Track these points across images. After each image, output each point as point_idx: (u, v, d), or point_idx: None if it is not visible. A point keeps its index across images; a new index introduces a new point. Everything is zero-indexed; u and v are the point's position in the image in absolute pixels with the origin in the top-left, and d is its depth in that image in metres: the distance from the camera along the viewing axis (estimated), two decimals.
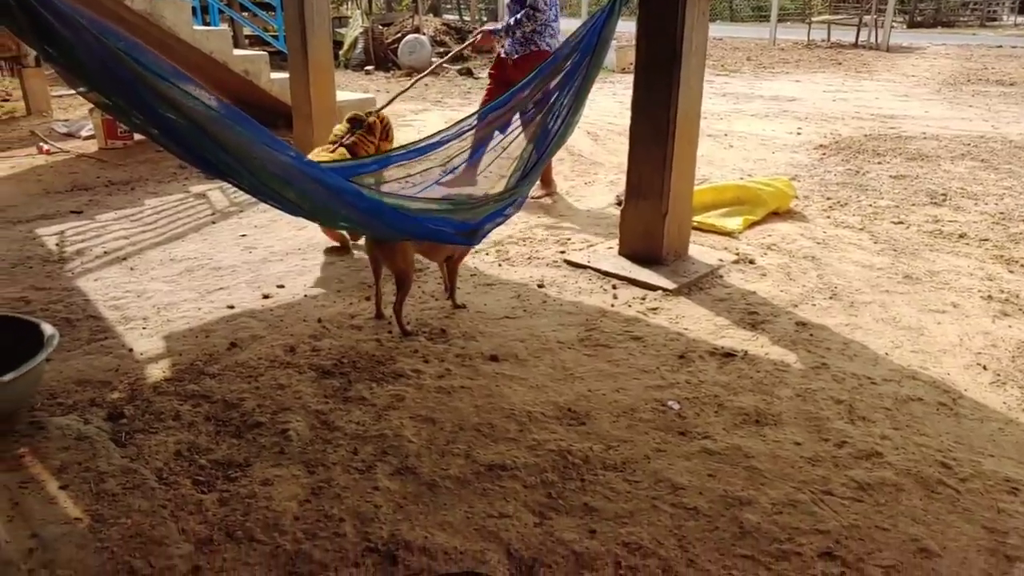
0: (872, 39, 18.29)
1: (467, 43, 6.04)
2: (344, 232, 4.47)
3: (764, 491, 2.45)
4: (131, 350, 3.39)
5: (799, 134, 8.07)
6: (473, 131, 3.38)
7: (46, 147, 7.36)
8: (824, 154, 7.15)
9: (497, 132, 3.63)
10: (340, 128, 4.38)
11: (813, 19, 20.25)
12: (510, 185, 3.45)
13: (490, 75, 5.88)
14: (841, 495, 2.44)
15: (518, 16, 5.28)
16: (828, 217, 5.27)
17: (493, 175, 3.82)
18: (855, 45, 18.11)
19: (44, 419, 2.82)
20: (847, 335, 3.54)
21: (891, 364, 3.29)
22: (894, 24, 19.00)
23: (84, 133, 7.94)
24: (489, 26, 5.71)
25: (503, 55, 5.65)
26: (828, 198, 5.69)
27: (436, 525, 2.28)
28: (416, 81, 5.33)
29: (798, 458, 2.63)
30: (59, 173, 6.60)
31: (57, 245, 4.79)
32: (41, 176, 6.51)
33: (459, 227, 3.19)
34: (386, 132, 4.45)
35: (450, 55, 6.20)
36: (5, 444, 2.66)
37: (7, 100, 10.05)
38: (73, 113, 9.36)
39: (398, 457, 2.61)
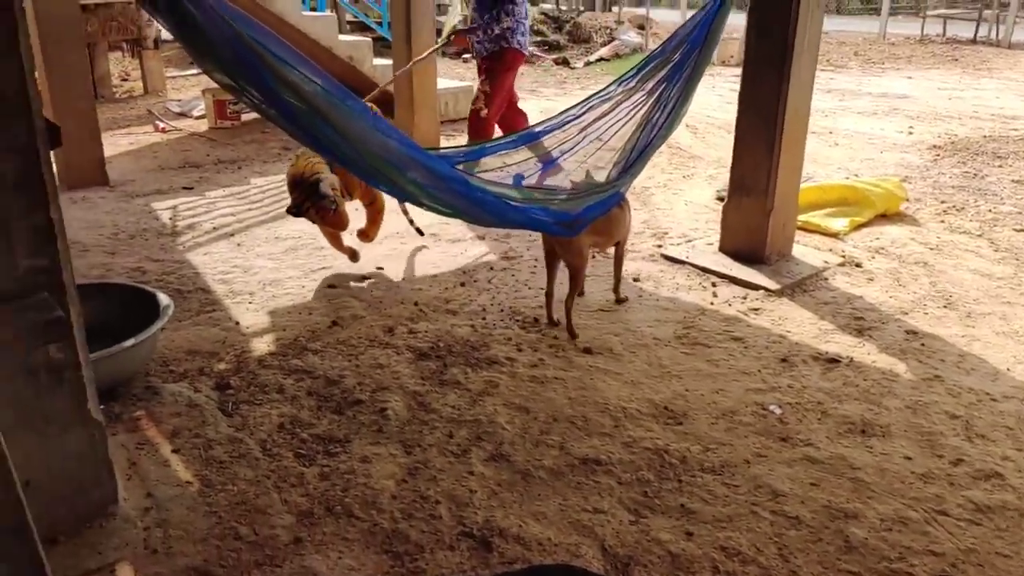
0: (992, 35, 17.30)
1: (438, 45, 5.77)
2: (352, 247, 4.17)
3: (871, 505, 2.36)
4: (238, 323, 3.52)
5: (910, 133, 7.71)
6: (576, 121, 3.35)
7: (161, 125, 7.71)
8: (938, 155, 6.81)
9: (599, 124, 3.57)
10: None
11: (928, 13, 19.28)
12: (611, 177, 3.41)
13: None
14: (957, 516, 2.31)
15: (493, 12, 5.07)
16: (942, 222, 5.02)
17: (589, 166, 3.79)
18: (973, 41, 17.16)
19: (158, 385, 2.95)
20: (963, 347, 3.37)
21: (1013, 380, 3.10)
22: (1017, 19, 17.88)
23: (196, 113, 8.28)
24: (463, 27, 5.44)
25: (474, 53, 5.47)
26: (942, 201, 5.41)
27: (530, 515, 2.29)
28: (404, 71, 5.23)
29: (908, 473, 2.52)
30: (172, 150, 6.91)
31: (170, 219, 5.02)
32: (156, 153, 6.83)
33: (559, 217, 3.17)
34: None
35: (422, 57, 5.60)
36: (124, 406, 2.80)
37: (126, 80, 10.56)
38: (186, 93, 9.76)
39: (492, 443, 2.63)
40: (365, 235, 4.21)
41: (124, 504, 2.26)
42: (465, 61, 13.46)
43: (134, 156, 6.68)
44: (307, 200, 3.58)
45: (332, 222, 3.85)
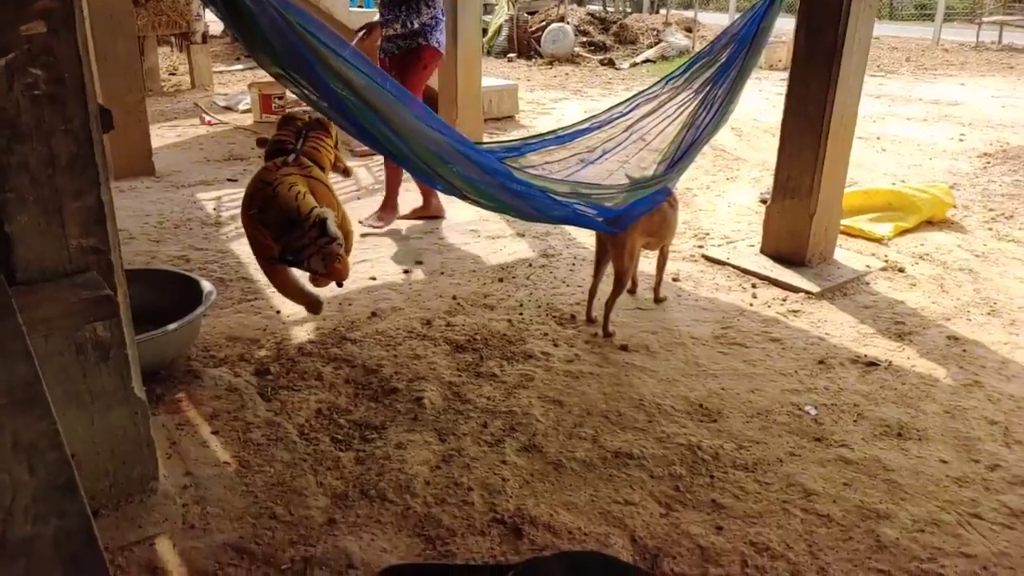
0: None
1: (354, 42, 4.72)
2: (313, 292, 3.25)
3: (904, 507, 2.33)
4: (278, 312, 3.58)
5: (961, 140, 7.55)
6: (623, 119, 3.35)
7: (208, 118, 7.87)
8: (988, 162, 6.66)
9: (644, 122, 3.56)
10: (283, 133, 3.29)
11: (984, 19, 18.82)
12: (657, 173, 3.40)
13: None
14: (991, 520, 2.28)
15: (412, 3, 4.47)
16: (990, 229, 4.92)
17: (631, 166, 3.77)
18: None
19: (199, 369, 3.02)
20: (1006, 354, 3.30)
21: None
22: None
23: (241, 107, 8.44)
24: (377, 18, 4.64)
25: (380, 55, 4.74)
26: (991, 209, 5.30)
27: (561, 504, 2.30)
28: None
29: (943, 477, 2.48)
30: (218, 143, 7.04)
31: (214, 209, 5.12)
32: (203, 145, 6.97)
33: (605, 212, 3.17)
34: (329, 129, 3.37)
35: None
36: (166, 388, 2.87)
37: (174, 74, 10.79)
38: (232, 88, 9.94)
39: (526, 434, 2.64)
40: (338, 274, 3.08)
41: (164, 481, 2.32)
42: (510, 60, 13.50)
43: (180, 148, 6.83)
44: (311, 245, 2.75)
45: (337, 270, 2.98)
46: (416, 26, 4.54)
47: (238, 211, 4.98)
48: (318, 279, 3.15)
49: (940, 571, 2.08)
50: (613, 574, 1.76)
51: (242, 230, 4.64)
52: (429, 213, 5.01)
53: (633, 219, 3.27)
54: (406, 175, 4.75)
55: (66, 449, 1.16)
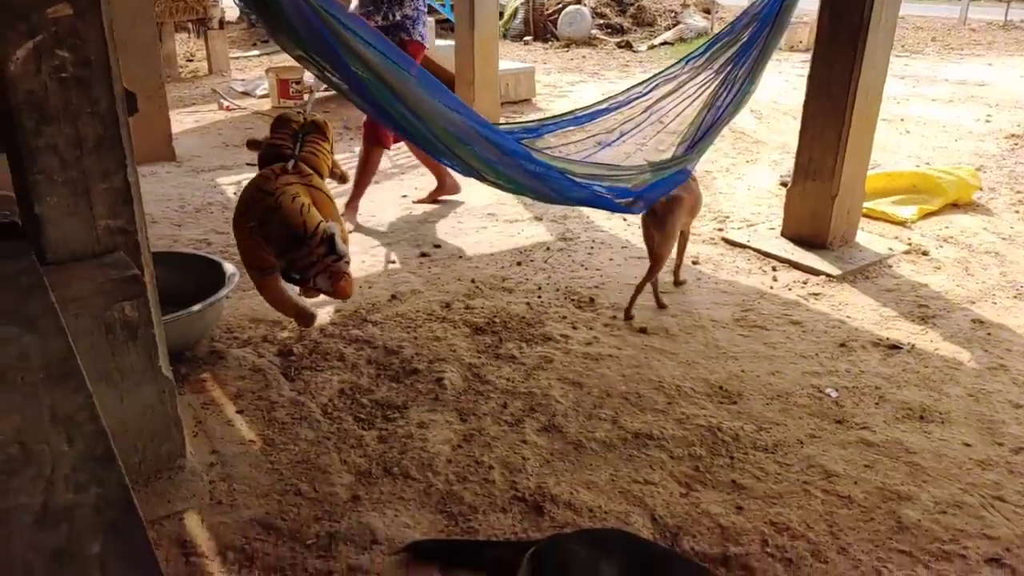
0: None
1: None
2: (303, 305, 3.02)
3: (926, 489, 2.33)
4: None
5: (988, 121, 7.43)
6: (643, 99, 3.34)
7: (226, 104, 7.91)
8: (1016, 144, 6.56)
9: (664, 102, 3.54)
10: (279, 136, 3.00)
11: None
12: (676, 154, 3.39)
13: None
14: (1015, 503, 2.27)
15: None
16: (1017, 212, 4.85)
17: (649, 148, 3.76)
18: None
19: (223, 350, 3.06)
20: None
21: None
22: None
23: (259, 92, 8.47)
24: (355, 6, 4.46)
25: None
26: (1018, 192, 5.22)
27: (581, 483, 2.32)
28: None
29: (966, 459, 2.47)
30: (236, 128, 7.07)
31: (235, 194, 5.14)
32: (221, 131, 7.00)
33: (622, 194, 3.17)
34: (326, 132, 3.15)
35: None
36: (191, 368, 2.91)
37: (191, 60, 10.83)
38: (249, 73, 9.97)
39: (546, 415, 2.66)
40: (343, 292, 2.75)
41: (191, 458, 2.35)
42: (527, 43, 13.43)
43: (199, 133, 6.88)
44: (319, 262, 2.57)
45: (343, 288, 2.70)
46: (398, 18, 4.40)
47: None
48: (310, 291, 2.89)
49: (962, 553, 2.08)
50: (635, 551, 1.78)
51: None
52: (445, 193, 5.02)
53: (653, 201, 3.25)
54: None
55: (102, 421, 1.19)
